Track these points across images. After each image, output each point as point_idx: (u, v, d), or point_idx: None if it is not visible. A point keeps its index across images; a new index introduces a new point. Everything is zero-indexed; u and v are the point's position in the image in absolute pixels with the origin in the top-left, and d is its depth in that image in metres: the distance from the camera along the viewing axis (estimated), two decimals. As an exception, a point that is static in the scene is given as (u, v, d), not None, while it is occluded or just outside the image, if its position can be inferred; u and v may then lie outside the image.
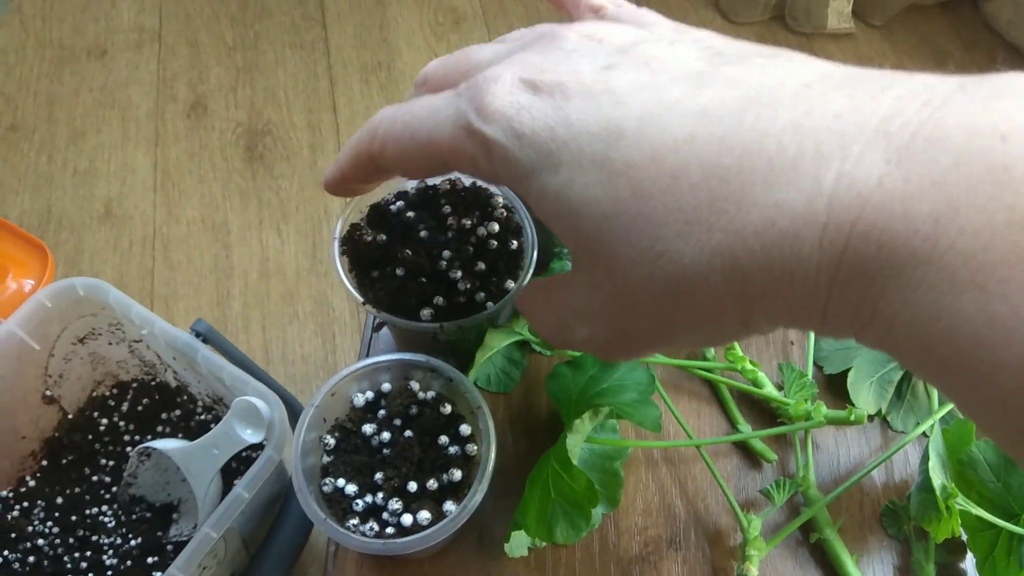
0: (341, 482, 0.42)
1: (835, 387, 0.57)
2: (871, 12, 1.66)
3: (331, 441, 0.44)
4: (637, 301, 0.23)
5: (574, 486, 0.46)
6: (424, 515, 0.41)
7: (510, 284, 0.50)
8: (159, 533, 0.87)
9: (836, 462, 0.55)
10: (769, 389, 0.55)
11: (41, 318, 0.83)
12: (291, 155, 1.45)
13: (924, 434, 0.55)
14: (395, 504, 0.41)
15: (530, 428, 0.57)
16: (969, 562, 0.51)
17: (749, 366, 0.55)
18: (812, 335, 0.57)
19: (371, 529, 0.41)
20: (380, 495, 0.42)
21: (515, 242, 0.51)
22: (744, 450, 0.55)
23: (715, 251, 0.20)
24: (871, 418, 0.56)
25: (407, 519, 0.41)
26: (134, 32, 1.59)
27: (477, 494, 0.41)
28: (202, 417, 0.93)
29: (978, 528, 0.46)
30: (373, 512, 0.42)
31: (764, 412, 0.57)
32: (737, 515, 0.50)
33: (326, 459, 0.44)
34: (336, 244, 0.49)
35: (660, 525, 0.53)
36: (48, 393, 0.89)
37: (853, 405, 0.54)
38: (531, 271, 0.50)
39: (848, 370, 0.56)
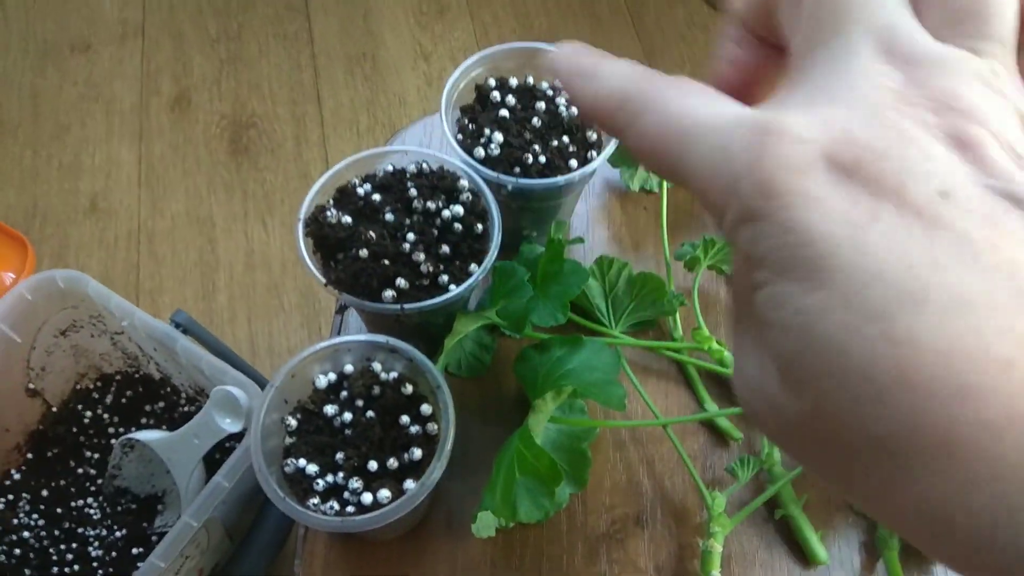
0: (302, 462, 0.42)
1: (802, 366, 0.57)
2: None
3: (293, 422, 0.44)
4: (862, 461, 0.18)
5: (537, 465, 0.46)
6: (384, 493, 0.41)
7: (474, 268, 0.50)
8: (144, 524, 0.88)
9: (803, 440, 0.56)
10: (736, 368, 0.55)
11: (22, 311, 0.83)
12: (276, 147, 1.45)
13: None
14: (355, 483, 0.42)
15: (500, 411, 0.57)
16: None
17: (716, 346, 0.55)
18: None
19: (331, 508, 0.41)
20: (341, 475, 0.42)
21: (480, 225, 0.52)
22: (711, 429, 0.56)
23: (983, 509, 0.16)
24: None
25: (367, 498, 0.41)
26: (118, 25, 1.58)
27: (435, 471, 0.41)
28: (185, 409, 0.93)
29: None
30: (334, 492, 0.42)
31: (730, 391, 0.57)
32: (702, 493, 0.50)
33: (288, 440, 0.44)
34: (300, 225, 0.49)
35: (627, 504, 0.53)
36: (31, 386, 0.90)
37: (818, 383, 0.55)
38: (495, 254, 0.50)
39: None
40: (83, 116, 1.47)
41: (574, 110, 0.57)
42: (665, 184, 0.63)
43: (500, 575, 0.50)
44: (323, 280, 0.47)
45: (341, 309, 0.51)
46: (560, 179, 0.53)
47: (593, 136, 0.57)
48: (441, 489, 0.53)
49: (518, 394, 0.57)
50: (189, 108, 1.48)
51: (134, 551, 0.86)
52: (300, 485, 0.42)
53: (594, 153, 0.55)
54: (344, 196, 0.52)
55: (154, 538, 0.86)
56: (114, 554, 0.85)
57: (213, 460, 0.82)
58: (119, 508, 0.89)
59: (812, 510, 0.53)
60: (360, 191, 0.52)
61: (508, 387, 0.57)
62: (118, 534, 0.86)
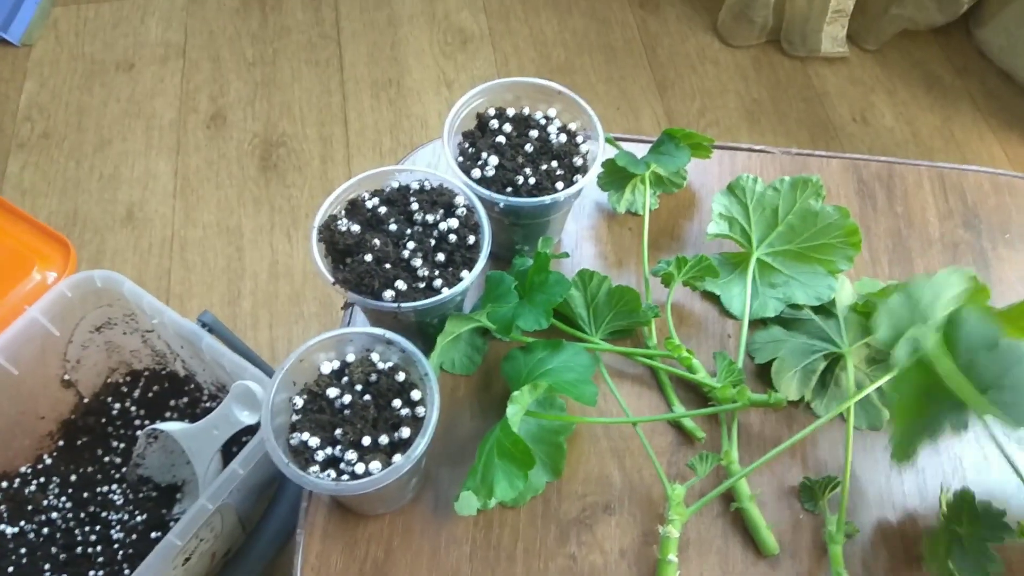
0: (306, 436, 0.49)
1: (766, 376, 0.63)
2: (865, 37, 1.72)
3: (299, 402, 0.50)
4: None
5: (513, 450, 0.52)
6: (375, 465, 0.47)
7: (465, 274, 0.56)
8: (163, 511, 0.94)
9: (762, 442, 0.61)
10: (703, 375, 0.61)
11: (62, 307, 0.91)
12: (303, 165, 1.53)
13: (841, 417, 0.61)
14: (351, 455, 0.48)
15: (488, 406, 0.63)
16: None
17: (685, 353, 0.61)
18: (746, 328, 0.63)
19: (328, 476, 0.47)
20: (339, 448, 0.48)
21: (472, 237, 0.58)
22: (678, 429, 0.61)
23: None
24: (794, 404, 0.62)
25: (360, 468, 0.47)
26: (160, 47, 1.69)
27: (419, 447, 0.47)
28: (207, 405, 1.00)
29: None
30: (332, 463, 0.49)
31: (699, 396, 0.63)
32: (664, 484, 0.56)
33: (294, 417, 0.50)
34: (314, 232, 0.56)
35: (598, 493, 0.59)
36: (66, 378, 0.97)
37: (776, 391, 0.60)
38: (485, 262, 0.57)
39: (775, 359, 0.62)
40: (124, 131, 1.56)
41: (563, 138, 0.64)
42: (648, 207, 0.70)
43: (479, 551, 0.56)
44: (331, 279, 0.54)
45: (346, 306, 0.57)
46: (547, 199, 0.60)
47: (579, 162, 0.63)
48: (431, 474, 0.59)
49: (505, 391, 0.63)
50: (224, 126, 1.58)
51: (153, 535, 0.92)
52: (303, 456, 0.49)
53: (579, 176, 0.62)
54: (354, 208, 0.59)
55: (172, 524, 0.92)
56: (134, 537, 0.92)
57: (229, 453, 0.89)
58: (141, 495, 0.95)
59: (767, 507, 0.58)
60: (369, 204, 0.59)
61: (496, 385, 0.63)
62: (139, 519, 0.93)
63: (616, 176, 0.70)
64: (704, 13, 1.77)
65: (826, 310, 0.64)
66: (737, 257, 0.68)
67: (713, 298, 0.68)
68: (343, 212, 0.59)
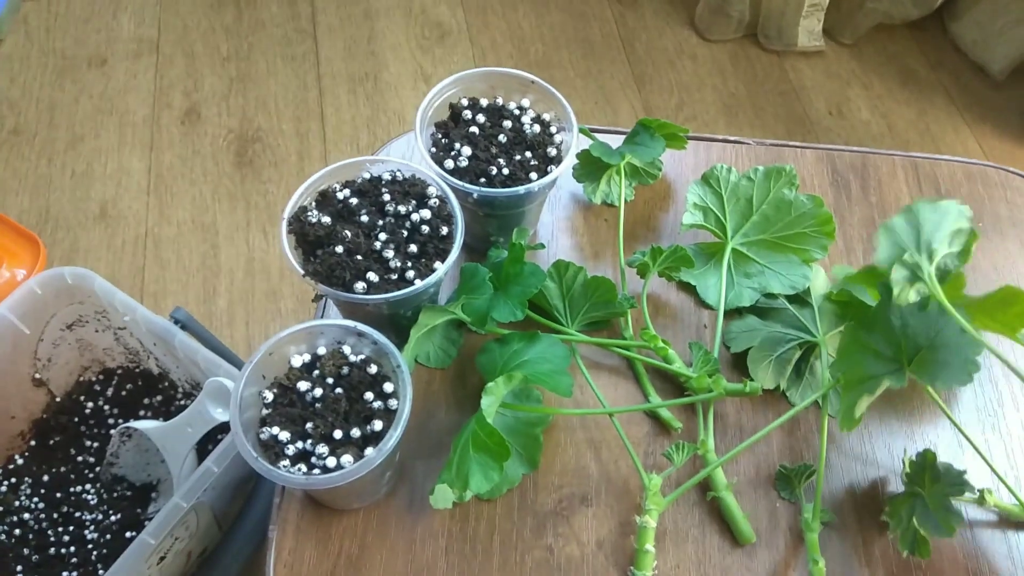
0: (276, 430, 0.48)
1: (741, 365, 0.63)
2: (841, 31, 1.73)
3: (269, 396, 0.50)
4: None
5: (489, 442, 0.52)
6: (347, 459, 0.47)
7: (438, 265, 0.56)
8: (138, 510, 0.93)
9: (739, 431, 0.61)
10: (679, 365, 0.61)
11: (31, 304, 0.89)
12: (279, 161, 1.52)
13: (816, 405, 0.61)
14: (322, 449, 0.47)
15: (463, 400, 0.62)
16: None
17: (661, 344, 0.61)
18: (721, 318, 0.63)
19: (300, 470, 0.47)
20: (310, 442, 0.48)
21: (445, 228, 0.57)
22: (655, 419, 0.61)
23: None
24: (770, 393, 0.62)
25: (331, 462, 0.47)
26: (133, 42, 1.66)
27: (392, 439, 0.47)
28: (182, 403, 0.99)
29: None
30: (303, 457, 0.48)
31: (675, 386, 0.62)
32: (641, 475, 0.56)
33: (264, 412, 0.50)
34: (284, 224, 0.55)
35: (574, 484, 0.58)
36: (37, 376, 0.95)
37: (752, 380, 0.60)
38: (457, 254, 0.56)
39: (751, 349, 0.62)
40: (97, 127, 1.54)
41: (537, 128, 0.63)
42: (624, 198, 0.69)
43: (454, 544, 0.56)
44: (302, 272, 0.53)
45: (317, 298, 0.57)
46: (521, 189, 0.59)
47: (553, 152, 0.63)
48: (405, 468, 0.58)
49: (480, 384, 0.62)
50: (198, 122, 1.56)
51: (128, 534, 0.91)
52: (273, 450, 0.48)
53: (553, 167, 0.61)
54: (325, 199, 0.58)
55: (147, 523, 0.91)
56: (108, 537, 0.90)
57: (204, 451, 0.88)
58: (115, 494, 0.94)
59: (743, 496, 0.58)
60: (340, 195, 0.58)
61: (471, 378, 0.63)
62: (113, 518, 0.91)
63: (591, 167, 0.70)
64: (681, 8, 1.78)
65: (801, 299, 0.64)
66: (712, 247, 0.68)
67: (689, 288, 0.68)
68: (313, 204, 0.58)
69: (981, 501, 0.56)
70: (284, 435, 0.48)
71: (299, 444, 0.48)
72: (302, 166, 1.51)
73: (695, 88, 1.64)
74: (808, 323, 0.63)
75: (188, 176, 1.48)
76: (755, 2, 1.68)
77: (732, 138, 0.77)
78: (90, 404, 0.98)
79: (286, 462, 0.47)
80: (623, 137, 0.71)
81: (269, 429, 0.48)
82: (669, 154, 0.71)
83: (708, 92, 1.64)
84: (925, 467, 0.54)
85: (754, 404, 0.62)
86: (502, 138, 0.62)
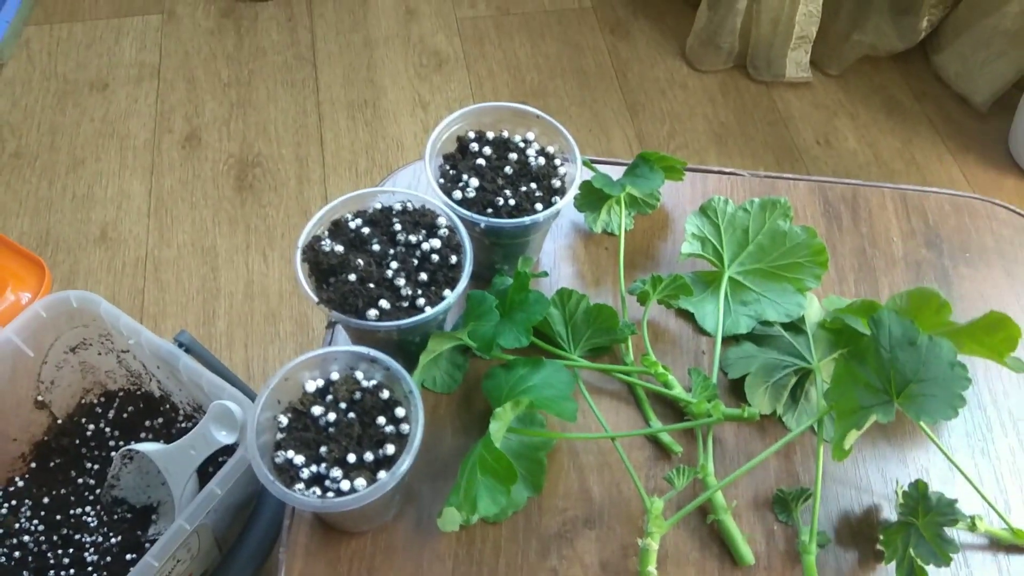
0: (291, 454, 0.49)
1: (739, 390, 0.64)
2: (827, 62, 1.78)
3: (284, 420, 0.51)
4: None
5: (496, 466, 0.53)
6: (360, 482, 0.48)
7: (447, 293, 0.58)
8: (138, 532, 0.93)
9: (737, 456, 0.63)
10: (678, 391, 0.63)
11: (36, 327, 0.90)
12: (279, 185, 1.53)
13: (812, 430, 0.63)
14: (336, 472, 0.49)
15: (469, 424, 0.64)
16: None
17: (661, 370, 0.63)
18: (719, 344, 0.65)
19: (314, 493, 0.48)
20: (324, 465, 0.49)
21: (454, 257, 0.59)
22: (655, 443, 0.63)
23: None
24: (767, 418, 0.64)
25: (345, 485, 0.48)
26: (135, 67, 1.69)
27: (404, 463, 0.48)
28: (183, 425, 0.99)
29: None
30: (317, 480, 0.49)
31: (675, 411, 0.64)
32: (643, 498, 0.57)
33: (279, 436, 0.51)
34: (298, 252, 0.57)
35: (578, 507, 0.60)
36: (40, 398, 0.96)
37: (749, 405, 0.62)
38: (467, 282, 0.58)
39: (748, 375, 0.64)
40: (98, 151, 1.56)
41: (541, 160, 0.66)
42: (624, 227, 0.71)
43: (461, 567, 0.57)
44: (316, 299, 0.55)
45: (330, 324, 0.58)
46: (526, 219, 0.61)
47: (557, 183, 0.65)
48: (413, 491, 0.60)
49: (486, 409, 0.64)
50: (199, 146, 1.58)
51: (128, 557, 0.91)
52: (288, 473, 0.49)
53: (557, 198, 0.64)
54: (338, 228, 0.60)
55: (147, 545, 0.91)
56: (108, 559, 0.90)
57: (206, 473, 0.88)
58: (115, 517, 0.94)
59: (742, 518, 0.60)
60: (352, 224, 0.60)
61: (477, 403, 0.65)
62: (113, 541, 0.92)
63: (592, 197, 0.72)
64: (673, 39, 1.82)
65: (795, 327, 0.66)
66: (710, 276, 0.70)
67: (687, 315, 0.70)
68: (326, 233, 0.60)
69: (972, 527, 0.58)
70: (299, 459, 0.49)
71: (313, 468, 0.49)
72: (301, 190, 1.53)
73: (686, 117, 1.68)
74: (803, 350, 0.65)
75: (188, 199, 1.50)
76: (744, 34, 1.72)
77: (728, 170, 0.80)
78: (91, 426, 0.99)
79: (301, 485, 0.49)
80: (623, 168, 0.73)
81: (284, 453, 0.50)
82: (667, 185, 0.74)
83: (699, 121, 1.68)
84: (918, 498, 0.55)
85: (752, 429, 0.64)
86: (508, 170, 0.64)
